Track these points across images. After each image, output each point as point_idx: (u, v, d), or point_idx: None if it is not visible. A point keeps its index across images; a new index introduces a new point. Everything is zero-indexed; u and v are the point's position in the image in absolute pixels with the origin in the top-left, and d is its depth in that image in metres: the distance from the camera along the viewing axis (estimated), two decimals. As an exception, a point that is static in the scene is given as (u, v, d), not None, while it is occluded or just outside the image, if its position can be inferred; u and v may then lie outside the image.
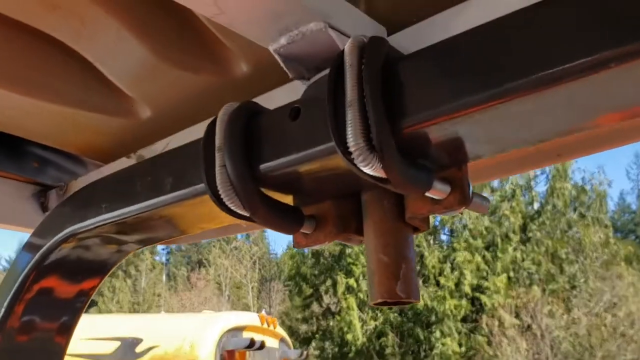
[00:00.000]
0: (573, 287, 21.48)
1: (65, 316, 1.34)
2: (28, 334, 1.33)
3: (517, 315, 20.81)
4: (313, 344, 25.55)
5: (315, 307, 26.86)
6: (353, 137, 0.77)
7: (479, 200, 0.95)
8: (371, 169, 0.78)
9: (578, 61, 0.64)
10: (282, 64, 1.00)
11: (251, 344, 7.93)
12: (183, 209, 1.09)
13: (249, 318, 9.04)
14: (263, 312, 9.59)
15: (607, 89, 0.68)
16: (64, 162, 1.59)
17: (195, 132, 1.31)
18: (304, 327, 27.01)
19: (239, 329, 8.37)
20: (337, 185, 1.00)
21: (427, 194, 0.87)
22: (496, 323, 20.66)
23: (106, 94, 1.33)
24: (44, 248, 1.27)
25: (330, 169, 0.91)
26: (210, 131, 0.97)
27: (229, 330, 8.09)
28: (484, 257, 23.20)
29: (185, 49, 1.20)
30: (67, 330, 1.35)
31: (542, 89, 0.67)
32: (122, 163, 1.45)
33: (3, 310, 1.29)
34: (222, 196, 0.93)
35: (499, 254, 22.80)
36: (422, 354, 22.85)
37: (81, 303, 1.37)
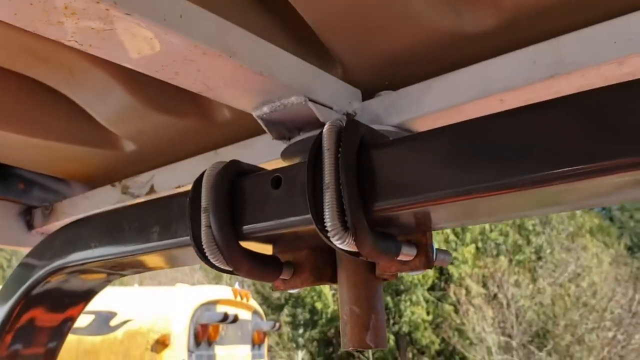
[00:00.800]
0: (539, 258, 22.12)
1: (52, 342, 1.41)
2: (15, 360, 1.40)
3: (484, 285, 21.39)
4: (285, 310, 25.94)
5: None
6: (330, 219, 0.85)
7: (442, 256, 1.05)
8: (345, 245, 0.87)
9: (537, 173, 0.72)
10: (264, 127, 1.08)
11: (224, 318, 8.06)
12: (168, 254, 1.17)
13: (222, 292, 9.17)
14: (236, 285, 9.72)
15: (558, 197, 0.77)
16: (49, 183, 1.64)
17: (180, 169, 1.37)
18: (276, 295, 27.36)
19: (212, 303, 8.49)
20: (313, 239, 1.08)
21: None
22: (463, 292, 21.21)
23: (92, 130, 1.38)
24: (32, 280, 1.33)
25: (307, 231, 1.00)
26: (196, 190, 1.04)
27: (203, 305, 8.20)
28: (453, 229, 23.67)
29: (171, 96, 1.25)
30: (53, 354, 1.43)
31: (506, 191, 0.75)
32: (107, 191, 1.51)
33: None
34: (207, 254, 1.01)
35: (468, 226, 23.27)
36: (392, 321, 23.40)
37: (67, 328, 1.45)
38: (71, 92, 1.25)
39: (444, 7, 0.97)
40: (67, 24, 0.74)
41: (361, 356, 23.00)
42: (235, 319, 8.15)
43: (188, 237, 1.04)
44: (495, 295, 20.87)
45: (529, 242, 22.44)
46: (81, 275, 1.33)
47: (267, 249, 1.16)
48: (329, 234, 0.86)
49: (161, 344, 7.58)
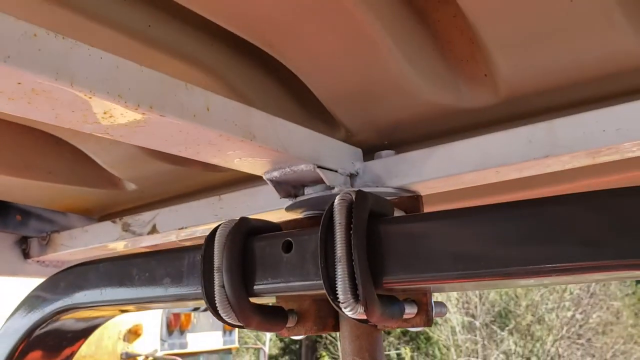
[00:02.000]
0: (502, 240, 22.64)
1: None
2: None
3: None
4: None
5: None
6: (342, 292, 0.92)
7: (439, 309, 1.14)
8: (356, 315, 0.94)
9: (532, 266, 0.80)
10: (272, 187, 1.13)
11: (196, 307, 8.10)
12: (176, 303, 1.22)
13: (194, 280, 9.20)
14: (207, 272, 9.74)
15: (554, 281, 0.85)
16: (46, 214, 1.67)
17: (183, 210, 1.41)
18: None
19: (185, 292, 8.52)
20: (317, 295, 1.15)
21: (397, 316, 1.04)
22: (447, 307, 21.62)
23: (94, 172, 1.42)
24: (37, 319, 1.37)
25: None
26: (208, 247, 1.10)
27: (175, 294, 8.22)
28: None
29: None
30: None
31: (504, 278, 0.83)
32: (108, 226, 1.54)
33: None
34: (219, 311, 1.07)
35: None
36: (359, 302, 23.69)
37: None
38: (78, 142, 1.28)
39: (443, 85, 1.04)
40: (104, 123, 0.79)
41: (329, 336, 23.30)
42: (207, 308, 8.19)
43: (199, 291, 1.09)
44: (459, 277, 21.33)
45: (480, 290, 22.94)
46: (86, 315, 1.38)
47: (270, 297, 1.22)
48: (341, 305, 0.93)
49: (133, 333, 7.60)
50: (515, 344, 20.03)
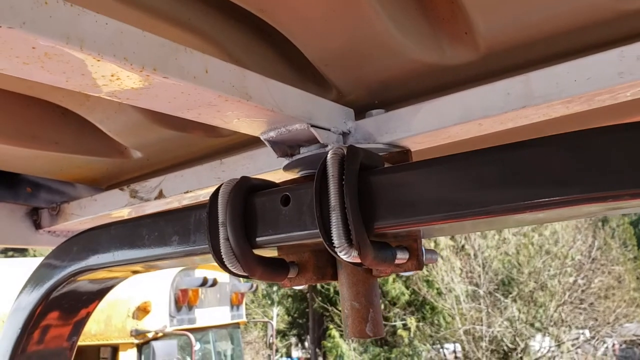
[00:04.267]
0: (504, 209, 22.75)
1: (73, 336, 1.55)
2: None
3: (452, 237, 22.00)
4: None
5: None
6: (337, 237, 1.00)
7: (429, 255, 1.22)
8: (350, 258, 1.02)
9: (512, 203, 0.88)
10: (269, 147, 1.20)
11: (204, 282, 8.24)
12: (184, 259, 1.30)
13: (200, 256, 9.31)
14: (212, 249, 9.84)
15: (532, 219, 0.93)
16: (56, 185, 1.74)
17: (187, 175, 1.49)
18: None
19: (191, 268, 8.65)
20: (315, 244, 1.23)
21: (390, 262, 1.12)
22: (432, 245, 21.80)
23: (101, 141, 1.49)
24: (53, 282, 1.45)
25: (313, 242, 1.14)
26: (213, 205, 1.17)
27: (182, 270, 8.36)
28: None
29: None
30: (73, 346, 1.56)
31: (486, 216, 0.91)
32: (116, 194, 1.62)
33: (14, 342, 1.48)
34: (225, 263, 1.15)
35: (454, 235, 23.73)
36: (363, 275, 23.93)
37: (84, 322, 1.58)
38: (84, 112, 1.35)
39: (427, 44, 1.10)
40: (111, 86, 0.86)
41: (335, 309, 23.60)
42: (214, 283, 8.34)
43: (206, 246, 1.17)
44: (462, 247, 21.52)
45: (468, 233, 23.04)
46: (100, 277, 1.46)
47: (272, 252, 1.30)
48: (336, 249, 1.01)
49: (142, 310, 7.74)
50: (519, 310, 20.27)
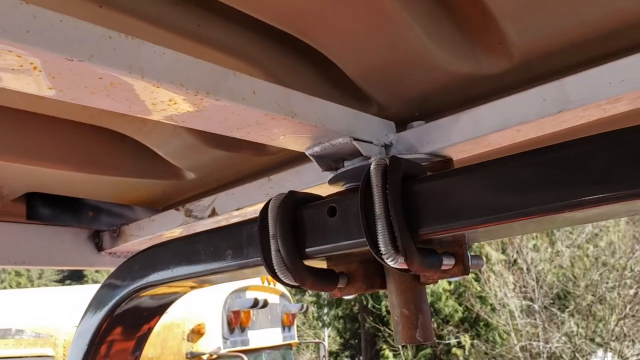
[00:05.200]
0: (556, 221, 22.21)
1: (136, 351, 1.63)
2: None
3: (504, 251, 21.58)
4: (310, 291, 26.31)
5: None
6: (383, 245, 1.04)
7: (475, 261, 1.25)
8: (397, 264, 1.06)
9: (553, 203, 0.90)
10: (314, 161, 1.26)
11: (255, 303, 8.32)
12: (238, 273, 1.37)
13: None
14: (262, 270, 9.94)
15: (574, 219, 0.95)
16: (115, 209, 1.85)
17: (238, 193, 1.56)
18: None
19: (242, 290, 8.77)
20: (363, 253, 1.28)
21: (437, 268, 1.16)
22: (484, 260, 21.40)
23: (157, 165, 1.58)
24: (117, 299, 1.54)
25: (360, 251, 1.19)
26: (263, 219, 1.23)
27: (233, 292, 8.47)
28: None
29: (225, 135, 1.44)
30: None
31: (527, 218, 0.94)
32: (172, 214, 1.70)
33: (81, 358, 1.56)
34: (278, 273, 1.20)
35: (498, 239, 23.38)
36: (414, 293, 23.65)
37: (147, 337, 1.66)
38: (142, 137, 1.44)
39: (462, 55, 1.15)
40: (169, 110, 0.93)
41: (387, 329, 23.36)
42: (265, 304, 8.41)
43: (259, 259, 1.23)
44: (515, 261, 21.06)
45: (513, 236, 22.52)
46: (160, 292, 1.54)
47: (322, 263, 1.35)
48: (383, 257, 1.05)
49: (196, 333, 7.87)
50: (577, 325, 19.63)
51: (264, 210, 1.24)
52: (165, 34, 1.06)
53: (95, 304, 1.60)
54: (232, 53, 1.15)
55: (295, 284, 1.22)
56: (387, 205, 1.05)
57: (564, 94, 1.06)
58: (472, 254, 1.23)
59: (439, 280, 1.25)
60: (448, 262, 1.16)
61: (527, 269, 20.50)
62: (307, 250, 1.20)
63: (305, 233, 1.21)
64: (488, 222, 0.97)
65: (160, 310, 1.64)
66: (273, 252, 1.20)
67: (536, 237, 21.34)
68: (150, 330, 1.65)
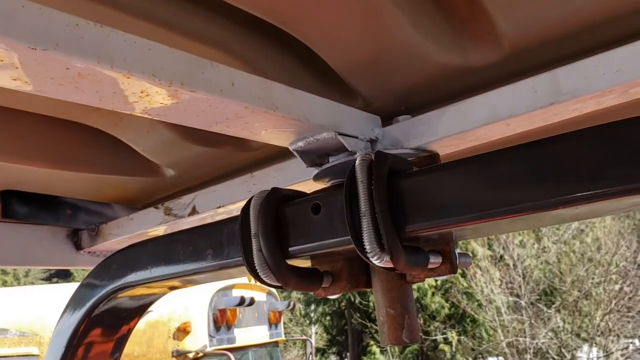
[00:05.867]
0: (542, 217, 22.34)
1: (115, 353, 1.58)
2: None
3: (490, 247, 21.66)
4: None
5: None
6: (369, 243, 1.00)
7: (463, 259, 1.21)
8: (383, 263, 1.02)
9: (541, 200, 0.87)
10: (298, 157, 1.22)
11: (241, 302, 8.27)
12: (219, 273, 1.32)
13: (237, 276, 9.38)
14: (249, 268, 9.90)
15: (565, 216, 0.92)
16: (94, 207, 1.79)
17: (219, 190, 1.51)
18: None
19: (228, 288, 8.71)
20: (348, 252, 1.23)
21: (423, 267, 1.12)
22: (471, 257, 21.47)
23: (135, 161, 1.53)
24: (94, 299, 1.49)
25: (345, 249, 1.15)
26: (245, 217, 1.19)
27: (219, 290, 8.42)
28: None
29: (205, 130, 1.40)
30: (117, 361, 1.59)
31: (515, 215, 0.90)
32: (151, 212, 1.65)
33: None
34: (259, 273, 1.16)
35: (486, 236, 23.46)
36: (402, 289, 23.72)
37: (126, 339, 1.61)
38: (118, 133, 1.39)
39: (449, 46, 1.11)
40: (141, 102, 0.88)
41: (374, 325, 23.39)
42: (252, 302, 8.37)
43: (240, 259, 1.19)
44: (501, 257, 21.16)
45: (501, 234, 22.62)
46: (139, 293, 1.49)
47: (306, 262, 1.31)
48: (368, 255, 1.01)
49: (182, 331, 7.81)
50: (563, 320, 19.77)
51: (246, 208, 1.19)
52: (138, 22, 1.01)
53: (73, 304, 1.55)
54: (210, 43, 1.10)
55: (278, 284, 1.17)
56: (372, 202, 1.01)
57: (556, 85, 1.02)
58: (459, 251, 1.19)
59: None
60: (435, 261, 1.12)
61: (514, 265, 20.60)
62: (290, 249, 1.16)
63: (289, 231, 1.17)
64: (476, 219, 0.93)
65: (139, 311, 1.59)
66: (255, 252, 1.16)
67: (522, 233, 21.45)
68: (129, 331, 1.60)
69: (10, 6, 0.70)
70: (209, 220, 1.63)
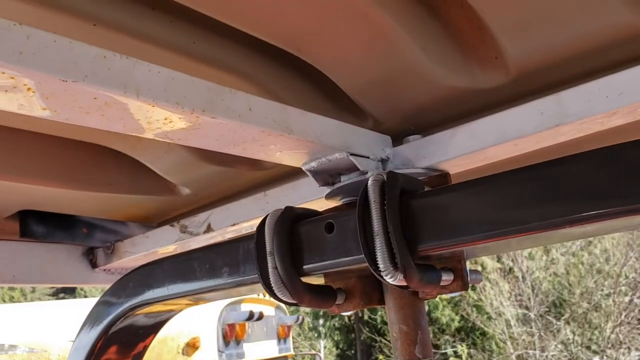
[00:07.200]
0: (550, 229, 22.26)
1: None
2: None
3: (499, 260, 21.56)
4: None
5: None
6: (382, 262, 1.03)
7: (474, 276, 1.24)
8: (396, 281, 1.04)
9: (553, 219, 0.89)
10: (311, 177, 1.25)
11: (250, 316, 8.28)
12: (235, 290, 1.35)
13: (245, 290, 9.39)
14: (257, 282, 9.93)
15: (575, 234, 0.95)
16: (109, 225, 1.83)
17: (233, 208, 1.55)
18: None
19: (237, 303, 8.72)
20: (361, 270, 1.26)
21: (435, 284, 1.14)
22: (479, 268, 21.40)
23: (151, 181, 1.57)
24: (111, 317, 1.51)
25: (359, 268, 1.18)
26: (260, 235, 1.22)
27: (228, 305, 8.42)
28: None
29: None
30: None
31: (527, 233, 0.93)
32: (167, 230, 1.69)
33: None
34: (275, 291, 1.19)
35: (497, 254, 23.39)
36: (410, 303, 23.62)
37: (141, 356, 1.64)
38: (136, 154, 1.43)
39: (458, 70, 1.14)
40: (164, 128, 0.92)
41: (383, 340, 23.28)
42: (261, 316, 8.37)
43: (256, 276, 1.22)
44: (510, 269, 21.04)
45: (511, 251, 22.51)
46: (155, 310, 1.52)
47: (319, 279, 1.34)
48: (382, 273, 1.04)
49: (191, 346, 7.81)
50: (573, 333, 19.60)
51: (261, 226, 1.23)
52: (159, 51, 1.05)
53: (90, 321, 1.58)
54: (227, 70, 1.14)
55: (293, 301, 1.20)
56: (385, 222, 1.04)
57: (561, 107, 1.06)
58: (470, 268, 1.22)
59: (437, 295, 1.24)
60: (447, 278, 1.15)
61: (523, 277, 20.48)
62: (304, 267, 1.19)
63: (303, 249, 1.20)
64: (487, 238, 0.96)
65: (155, 328, 1.61)
66: (270, 269, 1.19)
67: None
68: (145, 348, 1.63)
69: (43, 41, 0.74)
70: (223, 238, 1.66)
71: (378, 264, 1.04)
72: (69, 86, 0.76)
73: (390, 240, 1.03)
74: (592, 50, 1.05)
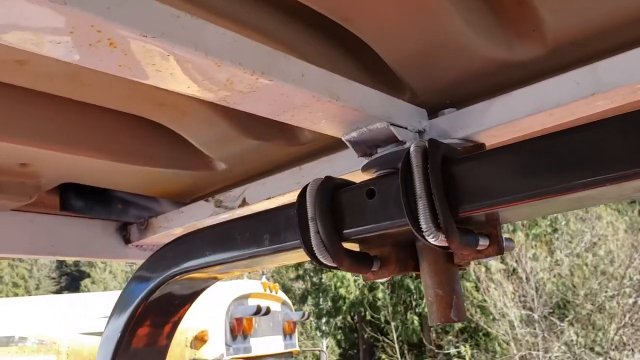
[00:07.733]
0: (555, 230, 22.30)
1: (167, 339, 1.66)
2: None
3: (503, 261, 21.58)
4: (309, 301, 26.32)
5: (307, 264, 27.58)
6: (425, 222, 1.08)
7: (507, 243, 1.29)
8: (438, 242, 1.10)
9: (585, 179, 0.95)
10: (350, 147, 1.30)
11: (257, 311, 8.35)
12: (276, 257, 1.40)
13: (253, 285, 9.46)
14: (264, 279, 10.01)
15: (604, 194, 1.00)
16: (143, 202, 1.88)
17: (268, 183, 1.60)
18: (298, 285, 27.77)
19: (244, 297, 8.79)
20: (395, 236, 1.32)
21: (472, 248, 1.20)
22: (483, 269, 21.43)
23: (189, 154, 1.62)
24: (149, 288, 1.57)
25: (397, 232, 1.23)
26: (301, 201, 1.27)
27: (236, 299, 8.49)
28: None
29: (261, 123, 1.49)
30: (167, 349, 1.67)
31: (560, 194, 0.98)
32: (201, 205, 1.74)
33: (116, 341, 1.59)
34: (317, 255, 1.24)
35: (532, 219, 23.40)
36: (413, 303, 23.72)
37: (177, 325, 1.69)
38: (178, 127, 1.48)
39: (497, 41, 1.19)
40: (224, 90, 0.97)
41: (386, 339, 23.32)
42: (268, 311, 8.43)
43: (297, 242, 1.27)
44: (514, 270, 21.07)
45: (544, 216, 22.56)
46: (193, 279, 1.57)
47: (354, 247, 1.39)
48: (424, 234, 1.09)
49: (199, 340, 7.87)
50: (577, 334, 19.62)
51: (302, 194, 1.28)
52: (216, 19, 1.10)
53: (129, 291, 1.63)
54: (272, 38, 1.19)
55: (334, 264, 1.25)
56: (427, 185, 1.09)
57: (597, 77, 1.10)
58: (505, 236, 1.27)
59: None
60: (483, 243, 1.20)
61: (527, 278, 20.50)
62: (345, 232, 1.24)
63: (344, 215, 1.25)
64: (524, 198, 1.01)
65: (190, 298, 1.67)
66: (312, 234, 1.24)
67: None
68: (180, 318, 1.69)
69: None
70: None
71: (420, 224, 1.09)
72: (148, 42, 0.81)
73: (432, 203, 1.08)
74: (629, 22, 1.10)
